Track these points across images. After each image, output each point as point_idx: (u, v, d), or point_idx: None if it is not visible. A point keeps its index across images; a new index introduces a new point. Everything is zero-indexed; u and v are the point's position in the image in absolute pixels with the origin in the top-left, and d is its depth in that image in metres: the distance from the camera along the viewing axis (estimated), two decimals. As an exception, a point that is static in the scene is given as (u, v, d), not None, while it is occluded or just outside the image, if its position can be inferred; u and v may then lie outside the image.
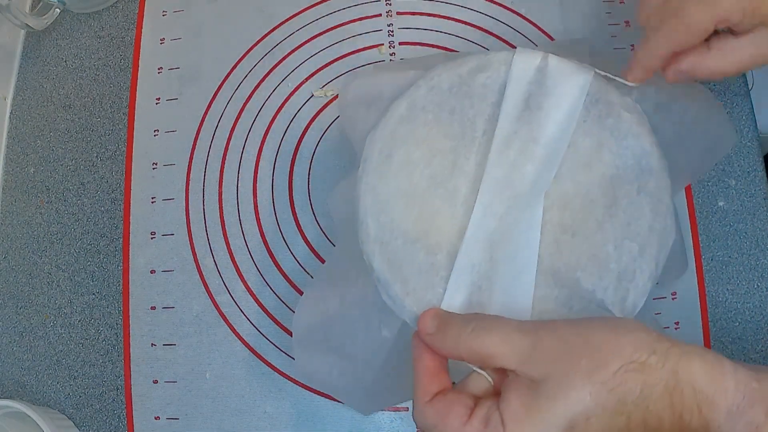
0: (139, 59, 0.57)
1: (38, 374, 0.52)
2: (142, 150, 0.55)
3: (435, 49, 0.54)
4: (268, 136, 0.53)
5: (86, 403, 0.51)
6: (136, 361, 0.50)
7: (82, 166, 0.56)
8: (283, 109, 0.54)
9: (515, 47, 0.38)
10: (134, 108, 0.56)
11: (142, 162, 0.54)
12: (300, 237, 0.51)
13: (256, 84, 0.55)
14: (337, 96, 0.53)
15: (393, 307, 0.35)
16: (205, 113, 0.55)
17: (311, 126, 0.53)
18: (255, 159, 0.53)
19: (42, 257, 0.54)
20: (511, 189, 0.36)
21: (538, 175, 0.36)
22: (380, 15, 0.55)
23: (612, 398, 0.27)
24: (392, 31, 0.54)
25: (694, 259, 0.48)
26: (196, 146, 0.54)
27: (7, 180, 0.57)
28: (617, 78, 0.37)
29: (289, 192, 0.52)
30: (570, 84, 0.36)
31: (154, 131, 0.55)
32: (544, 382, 0.28)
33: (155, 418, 0.49)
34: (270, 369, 0.49)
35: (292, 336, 0.42)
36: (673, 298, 0.47)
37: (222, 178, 0.53)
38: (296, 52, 0.55)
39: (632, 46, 0.52)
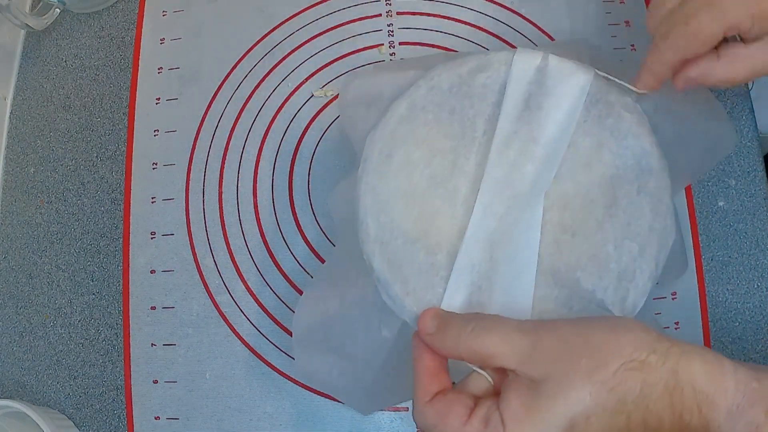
0: (139, 59, 0.57)
1: (38, 374, 0.52)
2: (142, 150, 0.55)
3: (435, 49, 0.54)
4: (268, 136, 0.53)
5: (86, 403, 0.51)
6: (136, 361, 0.50)
7: (82, 166, 0.56)
8: (283, 109, 0.54)
9: (515, 47, 0.38)
10: (134, 108, 0.56)
11: (142, 162, 0.54)
12: (300, 237, 0.51)
13: (256, 84, 0.55)
14: (337, 96, 0.53)
15: (393, 307, 0.35)
16: (205, 113, 0.55)
17: (311, 126, 0.53)
18: (255, 159, 0.53)
19: (42, 257, 0.54)
20: (511, 189, 0.36)
21: (538, 175, 0.36)
22: (380, 15, 0.55)
23: (612, 398, 0.27)
24: (392, 31, 0.54)
25: (694, 259, 0.48)
26: (196, 146, 0.54)
27: (7, 180, 0.57)
28: (626, 84, 0.37)
29: (289, 192, 0.52)
30: (570, 84, 0.36)
31: (154, 131, 0.55)
32: (544, 382, 0.28)
33: (155, 418, 0.49)
34: (270, 369, 0.49)
35: (292, 336, 0.42)
36: (673, 298, 0.47)
37: (222, 178, 0.53)
38: (296, 52, 0.55)
39: (632, 46, 0.52)
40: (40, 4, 0.58)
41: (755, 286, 0.47)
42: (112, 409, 0.50)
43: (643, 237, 0.35)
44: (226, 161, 0.53)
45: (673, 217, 0.35)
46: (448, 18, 0.54)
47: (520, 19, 0.54)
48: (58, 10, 0.58)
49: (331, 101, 0.53)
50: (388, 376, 0.38)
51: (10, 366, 0.53)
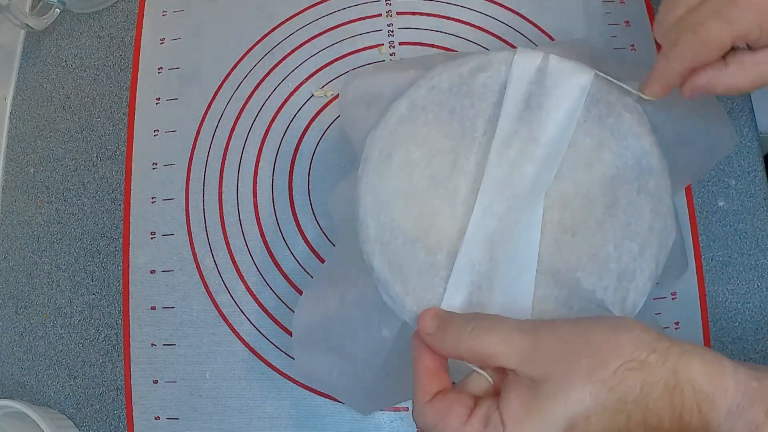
0: (139, 59, 0.57)
1: (38, 374, 0.52)
2: (142, 150, 0.55)
3: (435, 49, 0.54)
4: (268, 136, 0.53)
5: (86, 403, 0.51)
6: (136, 361, 0.50)
7: (82, 166, 0.56)
8: (283, 109, 0.54)
9: (515, 47, 0.38)
10: (134, 108, 0.56)
11: (142, 162, 0.54)
12: (300, 237, 0.51)
13: (256, 84, 0.55)
14: (337, 96, 0.53)
15: (393, 307, 0.35)
16: (205, 113, 0.55)
17: (311, 126, 0.53)
18: (255, 159, 0.53)
19: (42, 257, 0.54)
20: (511, 189, 0.36)
21: (538, 175, 0.36)
22: (380, 15, 0.55)
23: (612, 397, 0.28)
24: (392, 31, 0.54)
25: (694, 259, 0.48)
26: (196, 146, 0.54)
27: (7, 180, 0.57)
28: (633, 90, 0.37)
29: (289, 192, 0.52)
30: (570, 84, 0.36)
31: (154, 131, 0.55)
32: (544, 382, 0.28)
33: (155, 418, 0.49)
34: (270, 369, 0.49)
35: (292, 336, 0.42)
36: (673, 298, 0.47)
37: (222, 178, 0.53)
38: (296, 52, 0.55)
39: (632, 46, 0.52)
40: (40, 4, 0.58)
41: (755, 286, 0.47)
42: (112, 409, 0.50)
43: (643, 237, 0.35)
44: (226, 161, 0.53)
45: (673, 217, 0.35)
46: (448, 18, 0.54)
47: (520, 19, 0.54)
48: (58, 10, 0.58)
49: (331, 101, 0.53)
50: (388, 376, 0.38)
51: (10, 366, 0.53)
